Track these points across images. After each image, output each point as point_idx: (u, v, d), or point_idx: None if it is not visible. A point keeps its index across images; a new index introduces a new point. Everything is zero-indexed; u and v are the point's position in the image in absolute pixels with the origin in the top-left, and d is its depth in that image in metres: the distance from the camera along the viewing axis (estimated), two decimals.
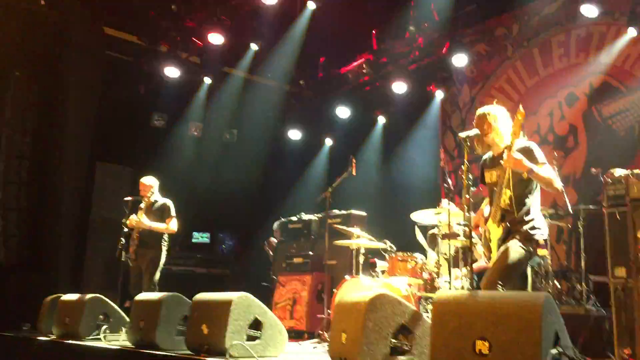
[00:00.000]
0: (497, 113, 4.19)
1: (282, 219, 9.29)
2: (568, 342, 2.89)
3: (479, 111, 4.26)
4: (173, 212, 6.95)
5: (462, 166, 4.05)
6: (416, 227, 6.68)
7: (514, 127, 3.83)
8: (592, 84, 7.99)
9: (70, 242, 8.54)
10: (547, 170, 3.97)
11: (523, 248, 3.91)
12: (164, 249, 6.92)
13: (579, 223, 6.26)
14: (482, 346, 2.82)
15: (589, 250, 6.09)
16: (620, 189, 5.02)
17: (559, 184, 4.01)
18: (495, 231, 4.14)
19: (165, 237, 6.95)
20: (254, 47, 9.38)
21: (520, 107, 3.82)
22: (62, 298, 6.36)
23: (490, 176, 4.27)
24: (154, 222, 6.82)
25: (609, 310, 5.05)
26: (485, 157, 4.38)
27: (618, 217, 5.01)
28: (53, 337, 6.12)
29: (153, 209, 6.94)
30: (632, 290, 4.65)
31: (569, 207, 6.42)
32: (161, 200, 7.03)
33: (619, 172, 5.18)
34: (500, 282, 3.81)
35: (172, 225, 6.91)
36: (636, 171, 4.77)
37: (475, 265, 5.91)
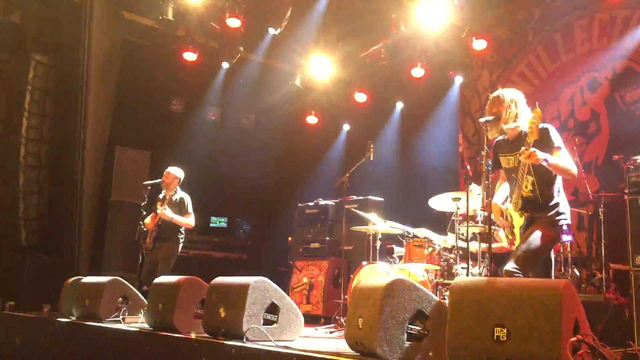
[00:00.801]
0: (512, 96, 4.10)
1: (300, 204, 9.31)
2: (588, 330, 2.85)
3: (494, 94, 4.18)
4: (191, 208, 7.02)
5: (482, 152, 4.00)
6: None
7: (531, 126, 3.73)
8: (615, 69, 7.85)
9: (90, 225, 8.63)
10: (562, 158, 3.88)
11: (547, 234, 3.86)
12: (181, 241, 7.01)
13: (599, 210, 6.18)
14: (501, 332, 2.80)
15: (609, 237, 6.02)
16: None
17: (574, 171, 3.91)
18: (518, 219, 4.10)
19: (182, 230, 7.04)
20: (271, 31, 9.33)
21: (537, 106, 3.73)
22: (82, 280, 6.43)
23: (507, 161, 4.20)
24: (176, 215, 6.88)
25: (629, 299, 5.00)
26: (499, 140, 4.29)
27: None
28: (73, 318, 6.20)
29: (172, 201, 6.99)
30: None
31: (590, 194, 6.34)
32: (180, 194, 7.07)
33: None
34: (521, 269, 3.76)
35: (191, 220, 7.01)
36: None
37: (495, 246, 5.90)
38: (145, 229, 6.91)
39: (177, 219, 6.87)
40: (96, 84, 8.62)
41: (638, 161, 5.11)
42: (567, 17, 8.48)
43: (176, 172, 7.09)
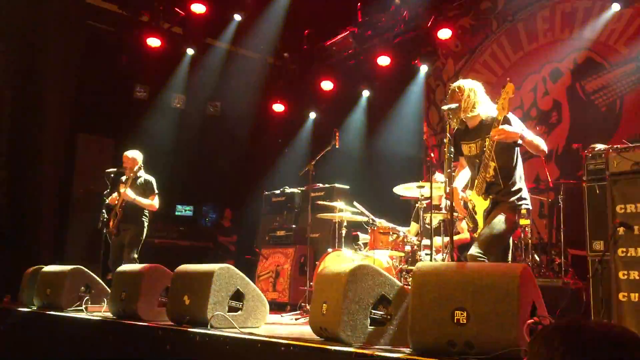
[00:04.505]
0: (470, 86, 4.20)
1: (266, 192, 9.30)
2: (545, 312, 2.93)
3: (452, 85, 4.29)
4: (156, 189, 6.90)
5: (445, 140, 4.05)
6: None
7: (502, 102, 3.82)
8: (577, 59, 8.02)
9: (52, 214, 8.48)
10: (531, 134, 4.01)
11: (509, 219, 3.96)
12: (146, 224, 6.89)
13: (559, 197, 6.33)
14: (461, 316, 2.86)
15: (568, 224, 6.17)
16: (600, 163, 5.06)
17: (545, 147, 4.07)
18: (481, 203, 4.17)
19: (147, 213, 6.92)
20: (237, 17, 9.25)
21: (508, 80, 3.82)
22: (43, 269, 6.32)
23: (469, 149, 4.28)
24: (138, 196, 6.77)
25: (586, 283, 5.14)
26: (458, 129, 4.37)
27: (597, 191, 5.07)
28: (34, 308, 6.10)
29: (137, 184, 6.87)
30: (608, 264, 4.72)
31: (550, 182, 6.48)
32: (144, 176, 6.95)
33: (599, 147, 5.23)
34: (485, 254, 3.86)
35: (155, 202, 6.87)
36: (616, 146, 4.81)
37: (456, 237, 5.99)
38: (107, 218, 6.80)
39: (140, 199, 6.75)
40: (57, 70, 8.44)
41: (596, 149, 5.22)
42: (530, 8, 8.60)
43: (134, 154, 6.96)
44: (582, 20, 7.98)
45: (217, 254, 10.21)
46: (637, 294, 4.43)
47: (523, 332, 2.70)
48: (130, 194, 6.71)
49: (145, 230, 6.89)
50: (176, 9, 9.09)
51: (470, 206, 4.28)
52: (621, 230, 4.55)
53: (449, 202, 4.10)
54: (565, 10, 8.21)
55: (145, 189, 6.86)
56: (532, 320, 2.79)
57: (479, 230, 4.20)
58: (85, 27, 9.16)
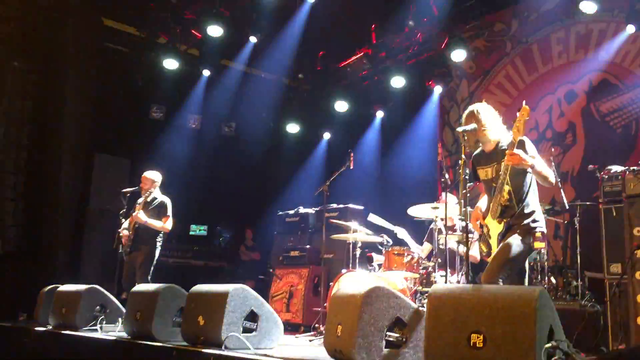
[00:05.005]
0: (485, 110, 4.24)
1: (280, 212, 9.31)
2: (562, 336, 2.90)
3: (468, 109, 4.31)
4: (170, 211, 6.92)
5: (460, 161, 4.06)
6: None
7: (518, 124, 3.83)
8: (591, 81, 8.00)
9: (67, 233, 8.54)
10: (541, 164, 4.01)
11: (524, 242, 3.95)
12: (159, 245, 6.91)
13: (575, 219, 6.28)
14: (477, 339, 2.84)
15: (585, 246, 6.11)
16: (616, 185, 5.05)
17: (553, 179, 4.06)
18: (496, 227, 4.16)
19: (161, 234, 6.94)
20: (252, 39, 9.36)
21: (524, 103, 3.83)
22: (59, 289, 6.36)
23: (486, 173, 4.29)
24: (150, 218, 6.81)
25: (603, 306, 5.07)
26: (475, 154, 4.40)
27: (614, 213, 5.04)
28: (50, 327, 6.13)
29: (152, 205, 6.91)
30: (626, 287, 4.67)
31: (566, 203, 6.44)
32: (160, 197, 6.99)
33: (615, 168, 5.20)
34: (500, 276, 3.84)
35: (168, 224, 6.88)
36: (633, 168, 4.78)
37: (471, 254, 5.95)
38: (122, 235, 6.85)
39: (151, 222, 6.78)
40: (75, 90, 8.57)
41: (612, 171, 5.20)
42: (544, 29, 8.63)
43: (152, 175, 7.02)
44: (597, 42, 7.98)
45: (235, 274, 10.22)
46: None
47: (540, 356, 2.67)
48: (142, 216, 6.74)
49: (157, 251, 6.89)
50: (193, 31, 9.21)
51: (485, 230, 4.26)
52: (639, 253, 4.51)
53: (463, 224, 4.09)
54: (579, 32, 8.22)
55: (159, 211, 6.89)
56: (549, 345, 2.76)
57: (491, 254, 4.19)
58: (104, 48, 9.32)
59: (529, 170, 3.97)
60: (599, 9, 7.43)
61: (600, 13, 7.64)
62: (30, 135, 8.36)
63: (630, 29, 7.23)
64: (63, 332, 5.73)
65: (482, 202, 4.49)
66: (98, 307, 5.95)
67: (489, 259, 4.18)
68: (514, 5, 8.83)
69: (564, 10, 8.32)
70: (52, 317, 6.16)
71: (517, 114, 3.85)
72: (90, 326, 5.77)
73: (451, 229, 6.15)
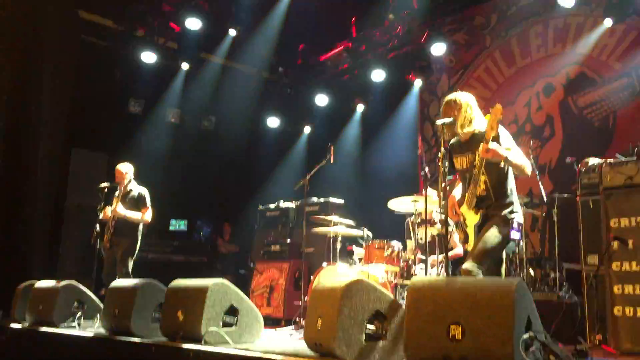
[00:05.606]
0: (463, 99, 4.22)
1: (261, 207, 9.28)
2: (540, 327, 2.92)
3: (446, 98, 4.30)
4: (148, 202, 6.87)
5: (439, 154, 4.06)
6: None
7: (491, 122, 3.83)
8: (569, 74, 8.08)
9: (44, 229, 8.42)
10: (517, 155, 4.01)
11: (501, 232, 3.96)
12: (139, 238, 6.85)
13: (553, 211, 6.34)
14: (456, 331, 2.85)
15: (563, 238, 6.18)
16: (593, 177, 5.09)
17: (529, 169, 4.06)
18: (472, 217, 4.17)
19: (140, 226, 6.88)
20: (232, 32, 9.29)
21: (498, 104, 3.82)
22: (35, 285, 6.27)
23: (460, 162, 4.29)
24: (129, 211, 6.74)
25: (581, 297, 5.13)
26: (452, 142, 4.39)
27: (591, 205, 5.09)
28: (26, 324, 6.04)
29: (128, 197, 6.86)
30: (603, 278, 4.73)
31: (544, 196, 6.50)
32: (137, 189, 6.93)
33: (592, 161, 5.26)
34: (478, 267, 3.85)
35: (147, 215, 6.83)
36: (610, 160, 4.83)
37: (451, 253, 5.99)
38: (101, 232, 6.77)
39: (131, 214, 6.72)
40: (52, 84, 8.43)
41: (590, 164, 5.25)
42: (523, 24, 8.68)
43: (124, 167, 6.96)
44: (575, 35, 8.05)
45: (215, 269, 10.17)
46: (632, 309, 4.43)
47: (518, 347, 2.69)
48: (120, 210, 6.68)
49: (138, 243, 6.83)
50: (171, 24, 9.12)
51: (461, 219, 4.28)
52: (615, 244, 4.56)
53: (442, 217, 4.10)
54: (557, 25, 8.29)
55: (137, 203, 6.83)
56: (527, 335, 2.78)
57: (469, 243, 4.20)
58: (80, 41, 9.18)
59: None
60: (576, 3, 7.49)
61: (578, 7, 7.70)
62: (5, 131, 8.21)
63: (608, 22, 7.29)
64: (40, 329, 5.65)
65: (457, 191, 4.49)
66: (75, 304, 5.86)
67: (468, 248, 4.20)
68: None
69: (542, 4, 8.38)
70: (29, 313, 6.07)
71: (490, 110, 3.85)
72: (68, 323, 5.69)
73: (430, 222, 6.17)
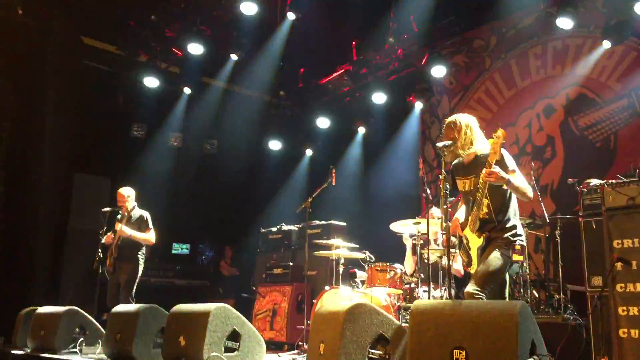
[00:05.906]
0: (463, 121, 4.22)
1: (263, 230, 9.27)
2: (544, 350, 2.90)
3: (449, 119, 4.31)
4: (150, 224, 6.91)
5: (440, 176, 4.07)
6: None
7: (494, 146, 3.84)
8: (569, 95, 8.11)
9: (46, 253, 8.42)
10: (519, 179, 4.02)
11: (503, 255, 3.95)
12: (141, 262, 6.86)
13: (556, 232, 6.31)
14: (460, 355, 2.82)
15: (566, 259, 6.14)
16: (595, 198, 5.09)
17: (531, 193, 4.06)
18: (475, 240, 4.16)
19: (143, 250, 6.91)
20: (233, 57, 9.37)
21: (501, 129, 3.84)
22: (37, 311, 6.25)
23: (464, 184, 4.29)
24: (134, 231, 6.77)
25: (586, 319, 5.09)
26: (455, 163, 4.40)
27: (594, 226, 5.07)
28: (28, 350, 6.01)
29: (131, 220, 6.89)
30: (608, 300, 4.69)
31: (547, 217, 6.48)
32: (138, 211, 6.97)
33: (594, 182, 5.25)
34: (482, 290, 3.83)
35: (151, 235, 6.87)
36: (611, 181, 4.83)
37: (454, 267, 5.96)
38: (103, 257, 6.77)
39: (136, 234, 6.77)
40: (55, 109, 8.49)
41: (591, 184, 5.25)
42: (522, 46, 8.74)
43: (125, 190, 7.00)
44: (574, 57, 8.10)
45: (217, 292, 10.13)
46: (637, 330, 4.39)
47: None
48: (126, 230, 6.73)
49: (141, 267, 6.86)
50: (174, 49, 9.21)
51: (464, 241, 4.27)
52: (619, 265, 4.54)
53: (445, 238, 4.09)
54: (556, 47, 8.34)
55: (140, 225, 6.87)
56: (531, 359, 2.76)
57: (473, 266, 4.18)
58: (84, 66, 9.26)
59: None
60: (575, 25, 7.54)
61: (577, 29, 7.76)
62: (9, 155, 8.25)
63: (606, 44, 7.34)
64: (42, 355, 5.62)
65: (460, 213, 4.48)
66: (77, 329, 5.86)
67: (471, 271, 4.18)
68: (492, 21, 8.95)
69: (541, 27, 8.44)
70: (31, 339, 6.05)
71: (493, 135, 3.86)
72: (70, 349, 5.67)
73: (434, 243, 6.15)
